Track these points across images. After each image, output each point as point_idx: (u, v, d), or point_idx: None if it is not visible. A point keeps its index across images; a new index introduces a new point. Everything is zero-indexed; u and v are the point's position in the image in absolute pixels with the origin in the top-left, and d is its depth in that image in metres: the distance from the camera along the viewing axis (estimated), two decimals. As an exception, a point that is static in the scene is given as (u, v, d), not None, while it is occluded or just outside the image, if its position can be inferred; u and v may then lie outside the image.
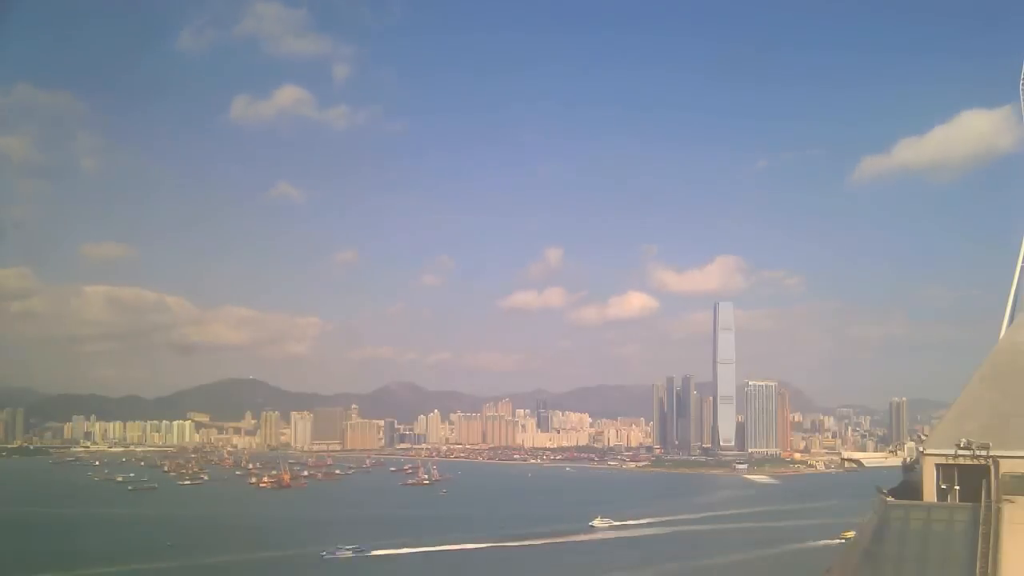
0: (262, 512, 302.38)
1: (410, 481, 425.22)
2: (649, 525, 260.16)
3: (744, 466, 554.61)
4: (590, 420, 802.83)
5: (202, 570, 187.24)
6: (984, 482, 37.97)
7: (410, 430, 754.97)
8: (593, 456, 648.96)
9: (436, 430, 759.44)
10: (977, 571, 35.89)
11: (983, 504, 37.38)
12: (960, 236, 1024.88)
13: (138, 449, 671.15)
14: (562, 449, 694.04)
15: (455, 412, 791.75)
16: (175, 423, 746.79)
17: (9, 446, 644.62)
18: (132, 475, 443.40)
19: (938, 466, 40.27)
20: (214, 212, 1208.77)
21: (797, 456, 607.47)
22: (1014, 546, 36.15)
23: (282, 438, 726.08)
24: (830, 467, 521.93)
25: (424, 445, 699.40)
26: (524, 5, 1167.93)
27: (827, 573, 46.67)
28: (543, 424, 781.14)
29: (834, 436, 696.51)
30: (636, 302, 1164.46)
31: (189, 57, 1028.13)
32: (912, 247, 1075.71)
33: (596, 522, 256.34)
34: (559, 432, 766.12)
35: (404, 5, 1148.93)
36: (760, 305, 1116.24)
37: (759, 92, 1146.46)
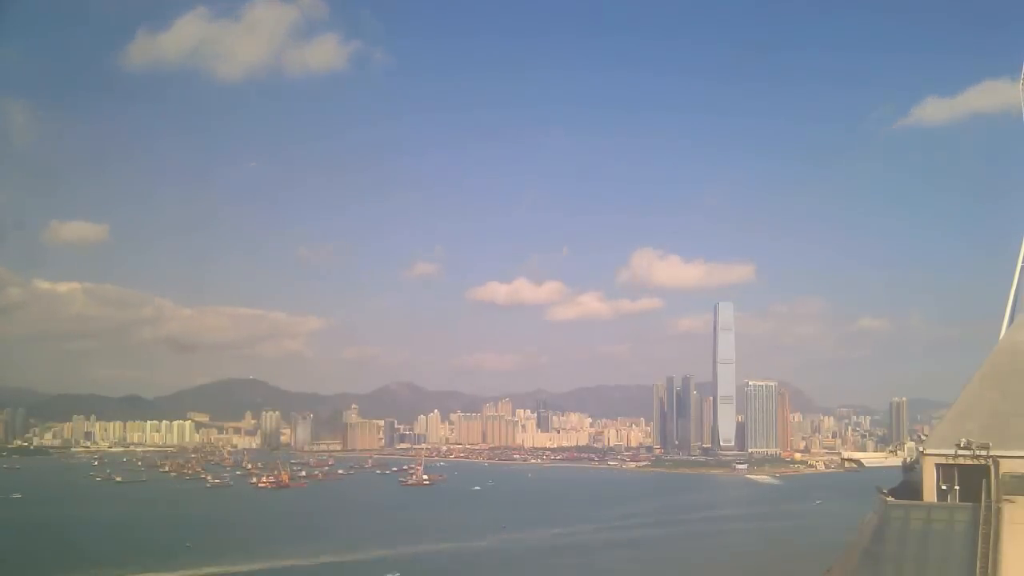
0: (270, 511, 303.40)
1: (410, 481, 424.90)
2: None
3: (744, 466, 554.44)
4: (590, 420, 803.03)
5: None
6: (984, 482, 38.01)
7: (410, 430, 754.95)
8: (593, 456, 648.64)
9: (436, 430, 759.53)
10: (977, 571, 35.92)
11: (983, 504, 37.42)
12: (960, 236, 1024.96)
13: (138, 449, 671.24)
14: (562, 449, 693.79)
15: (455, 412, 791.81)
16: (175, 423, 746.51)
17: (9, 446, 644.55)
18: (144, 479, 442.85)
19: (938, 466, 40.32)
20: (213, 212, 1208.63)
21: (797, 456, 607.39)
22: (1014, 546, 36.17)
23: (282, 438, 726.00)
24: (830, 467, 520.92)
25: (424, 445, 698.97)
26: (524, 7, 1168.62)
27: (827, 573, 46.69)
28: (543, 424, 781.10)
29: (834, 436, 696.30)
30: (642, 301, 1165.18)
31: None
32: (912, 247, 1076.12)
33: None
34: (559, 432, 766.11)
35: (406, 8, 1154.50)
36: (760, 305, 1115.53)
37: (759, 92, 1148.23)
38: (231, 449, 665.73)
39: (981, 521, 36.92)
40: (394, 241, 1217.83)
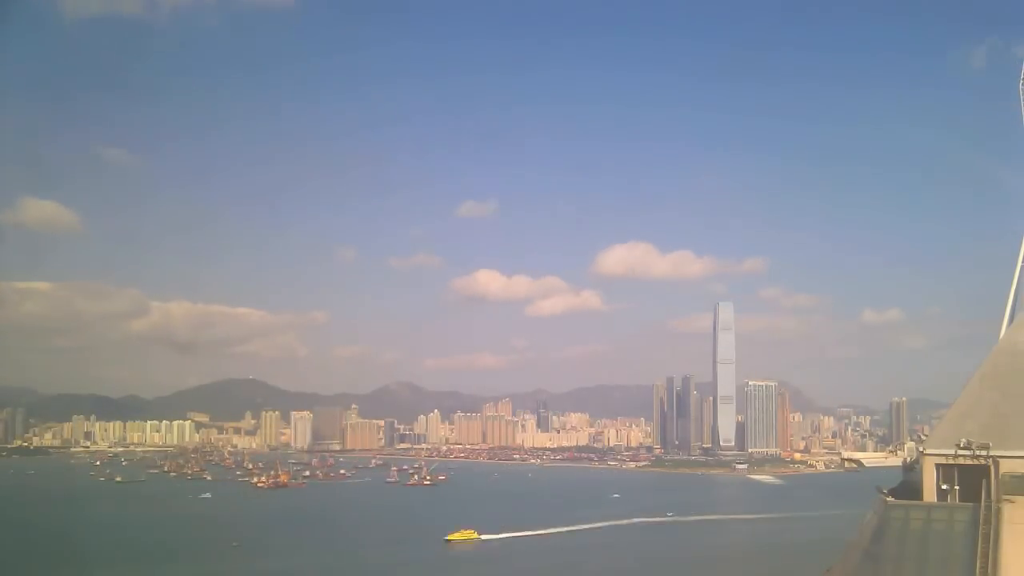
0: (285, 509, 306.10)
1: (410, 482, 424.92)
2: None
3: (744, 466, 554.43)
4: (590, 420, 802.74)
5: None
6: (984, 482, 37.98)
7: (410, 430, 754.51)
8: (593, 456, 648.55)
9: (436, 430, 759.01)
10: (977, 571, 35.90)
11: (983, 504, 37.39)
12: (961, 235, 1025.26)
13: (138, 449, 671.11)
14: (562, 449, 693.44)
15: (455, 412, 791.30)
16: (175, 423, 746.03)
17: (9, 446, 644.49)
18: (143, 479, 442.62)
19: (938, 466, 40.28)
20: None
21: (797, 456, 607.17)
22: (1014, 546, 36.15)
23: (282, 438, 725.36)
24: (830, 467, 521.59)
25: (424, 445, 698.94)
26: (524, 9, 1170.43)
27: (827, 573, 46.63)
28: (543, 424, 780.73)
29: (834, 436, 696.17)
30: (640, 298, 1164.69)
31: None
32: (912, 247, 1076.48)
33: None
34: (559, 432, 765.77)
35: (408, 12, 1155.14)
36: (761, 305, 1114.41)
37: (759, 92, 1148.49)
38: (231, 449, 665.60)
39: (981, 521, 36.89)
40: (393, 240, 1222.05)
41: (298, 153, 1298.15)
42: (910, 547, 38.70)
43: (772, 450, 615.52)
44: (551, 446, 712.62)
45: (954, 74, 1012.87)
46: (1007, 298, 49.18)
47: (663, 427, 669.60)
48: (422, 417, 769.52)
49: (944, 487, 39.95)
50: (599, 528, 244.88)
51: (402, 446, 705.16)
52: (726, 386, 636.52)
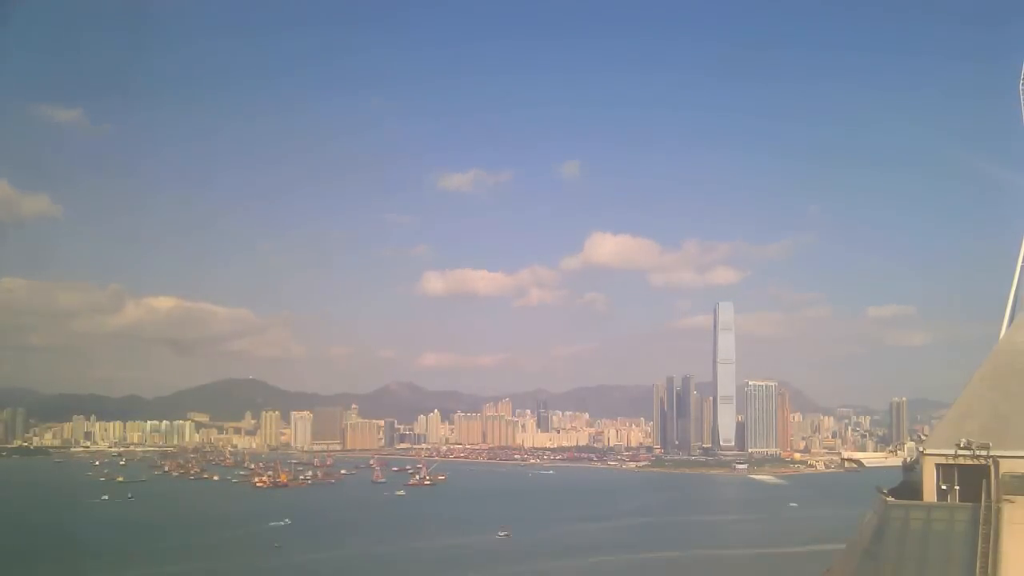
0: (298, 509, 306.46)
1: (411, 482, 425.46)
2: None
3: (744, 466, 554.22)
4: (590, 420, 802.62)
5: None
6: (984, 482, 37.99)
7: (410, 430, 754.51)
8: (593, 456, 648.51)
9: (436, 430, 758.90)
10: (977, 571, 35.91)
11: (983, 504, 37.40)
12: (961, 235, 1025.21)
13: (138, 449, 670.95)
14: (562, 449, 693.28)
15: (455, 412, 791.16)
16: (175, 423, 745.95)
17: (9, 446, 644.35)
18: (144, 479, 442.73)
19: (938, 466, 40.29)
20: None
21: (797, 456, 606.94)
22: (1014, 546, 36.16)
23: (282, 438, 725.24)
24: (830, 467, 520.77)
25: (424, 445, 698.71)
26: (524, 11, 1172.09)
27: (827, 573, 46.67)
28: (543, 424, 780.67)
29: (834, 436, 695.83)
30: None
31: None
32: (912, 247, 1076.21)
33: None
34: (559, 432, 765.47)
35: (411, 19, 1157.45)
36: (761, 305, 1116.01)
37: (759, 92, 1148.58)
38: (231, 449, 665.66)
39: (981, 521, 36.91)
40: (389, 239, 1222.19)
41: (298, 154, 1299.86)
42: (910, 547, 38.71)
43: (772, 450, 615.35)
44: (551, 446, 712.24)
45: (954, 74, 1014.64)
46: (1007, 298, 49.19)
47: (663, 427, 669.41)
48: (422, 417, 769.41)
49: (944, 487, 39.97)
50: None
51: (402, 446, 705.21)
52: (726, 386, 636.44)
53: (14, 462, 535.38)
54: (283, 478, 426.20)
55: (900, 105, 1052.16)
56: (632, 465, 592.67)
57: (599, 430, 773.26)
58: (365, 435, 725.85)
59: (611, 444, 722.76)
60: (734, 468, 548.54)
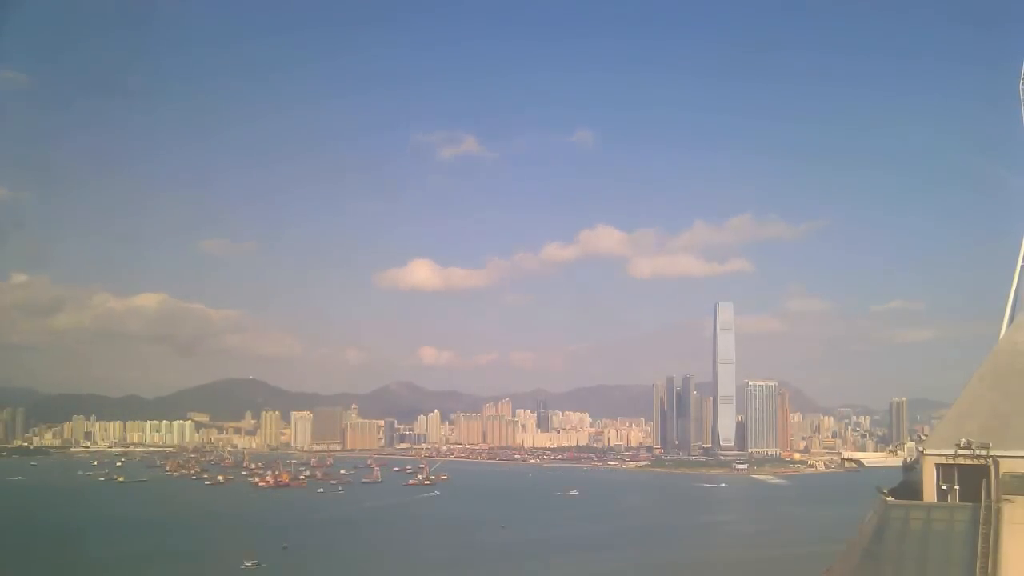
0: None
1: (411, 482, 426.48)
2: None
3: (744, 466, 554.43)
4: (590, 420, 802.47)
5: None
6: (984, 482, 37.97)
7: (410, 430, 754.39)
8: (593, 456, 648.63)
9: (436, 430, 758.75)
10: (977, 571, 35.89)
11: (983, 504, 37.38)
12: (961, 235, 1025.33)
13: (138, 449, 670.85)
14: (562, 449, 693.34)
15: (455, 412, 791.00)
16: (175, 423, 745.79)
17: (9, 446, 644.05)
18: (145, 479, 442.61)
19: (938, 466, 40.25)
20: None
21: (797, 456, 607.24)
22: (1014, 546, 36.14)
23: (282, 438, 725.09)
24: (830, 467, 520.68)
25: (424, 445, 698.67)
26: (522, 11, 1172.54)
27: (827, 573, 46.62)
28: (543, 424, 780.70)
29: (834, 436, 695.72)
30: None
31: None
32: (913, 247, 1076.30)
33: None
34: (559, 432, 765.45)
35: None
36: (761, 305, 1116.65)
37: (760, 92, 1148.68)
38: (231, 449, 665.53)
39: (981, 521, 36.88)
40: (389, 239, 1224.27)
41: (298, 155, 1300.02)
42: (910, 547, 38.69)
43: (772, 450, 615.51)
44: (551, 446, 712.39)
45: (954, 75, 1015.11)
46: (1007, 298, 49.15)
47: (663, 427, 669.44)
48: (422, 417, 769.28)
49: (944, 487, 39.92)
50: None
51: (402, 446, 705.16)
52: (726, 386, 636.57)
53: (14, 462, 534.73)
54: (284, 477, 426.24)
55: (900, 106, 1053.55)
56: (632, 465, 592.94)
57: (599, 430, 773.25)
58: (365, 435, 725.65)
59: (611, 444, 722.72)
60: (734, 468, 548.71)
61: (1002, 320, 48.46)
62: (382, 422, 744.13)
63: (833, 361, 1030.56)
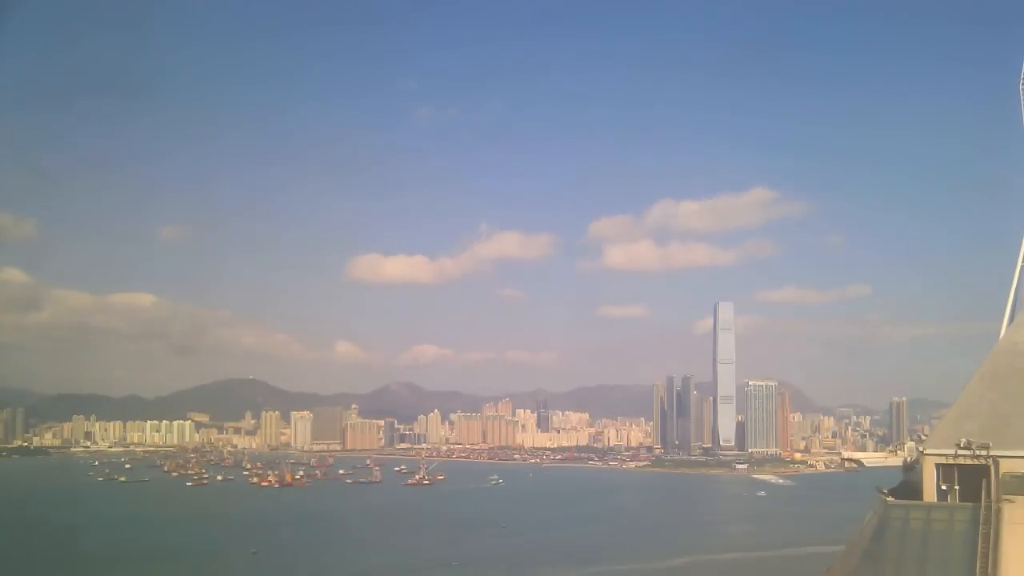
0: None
1: (411, 481, 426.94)
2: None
3: (744, 466, 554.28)
4: (590, 420, 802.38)
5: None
6: (984, 482, 37.98)
7: (410, 430, 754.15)
8: (593, 456, 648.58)
9: (436, 430, 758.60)
10: (977, 571, 35.90)
11: (983, 504, 37.40)
12: (961, 235, 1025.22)
13: (138, 449, 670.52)
14: (562, 449, 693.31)
15: (455, 412, 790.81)
16: (175, 423, 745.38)
17: (9, 446, 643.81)
18: (146, 479, 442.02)
19: (938, 466, 40.27)
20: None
21: (797, 456, 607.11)
22: (1014, 546, 36.15)
23: (282, 438, 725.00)
24: (830, 467, 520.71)
25: (424, 445, 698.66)
26: (525, 12, 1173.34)
27: (827, 573, 46.60)
28: (543, 424, 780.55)
29: (834, 436, 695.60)
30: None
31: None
32: (913, 247, 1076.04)
33: None
34: (559, 432, 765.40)
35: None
36: (761, 305, 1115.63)
37: (761, 93, 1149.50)
38: (231, 449, 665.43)
39: (981, 521, 36.90)
40: (387, 239, 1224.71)
41: (298, 154, 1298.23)
42: (910, 547, 38.70)
43: (772, 450, 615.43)
44: (551, 446, 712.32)
45: (954, 75, 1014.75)
46: (1007, 298, 49.17)
47: (663, 427, 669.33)
48: (422, 417, 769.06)
49: (944, 487, 39.95)
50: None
51: (402, 446, 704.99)
52: (726, 386, 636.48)
53: (14, 462, 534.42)
54: (288, 477, 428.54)
55: (900, 105, 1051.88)
56: (632, 465, 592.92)
57: (599, 430, 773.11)
58: (365, 435, 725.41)
59: (611, 444, 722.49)
60: (734, 468, 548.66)
61: (1002, 320, 48.49)
62: (382, 422, 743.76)
63: (833, 361, 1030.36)
